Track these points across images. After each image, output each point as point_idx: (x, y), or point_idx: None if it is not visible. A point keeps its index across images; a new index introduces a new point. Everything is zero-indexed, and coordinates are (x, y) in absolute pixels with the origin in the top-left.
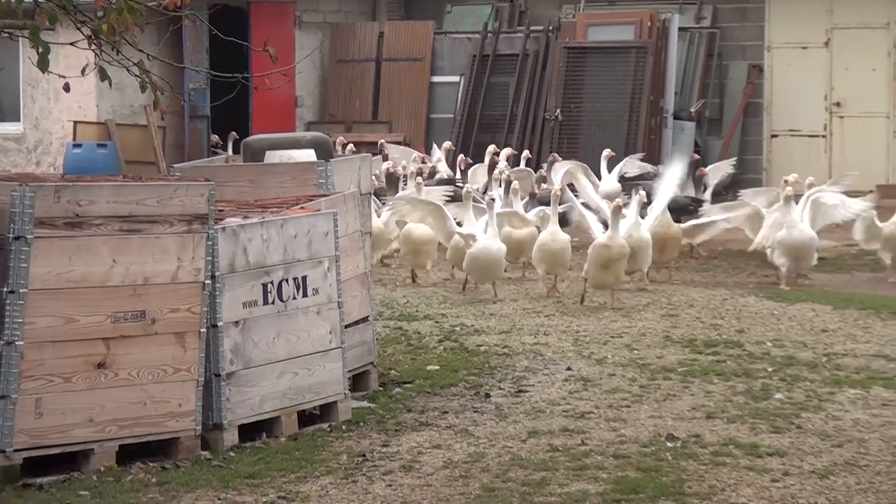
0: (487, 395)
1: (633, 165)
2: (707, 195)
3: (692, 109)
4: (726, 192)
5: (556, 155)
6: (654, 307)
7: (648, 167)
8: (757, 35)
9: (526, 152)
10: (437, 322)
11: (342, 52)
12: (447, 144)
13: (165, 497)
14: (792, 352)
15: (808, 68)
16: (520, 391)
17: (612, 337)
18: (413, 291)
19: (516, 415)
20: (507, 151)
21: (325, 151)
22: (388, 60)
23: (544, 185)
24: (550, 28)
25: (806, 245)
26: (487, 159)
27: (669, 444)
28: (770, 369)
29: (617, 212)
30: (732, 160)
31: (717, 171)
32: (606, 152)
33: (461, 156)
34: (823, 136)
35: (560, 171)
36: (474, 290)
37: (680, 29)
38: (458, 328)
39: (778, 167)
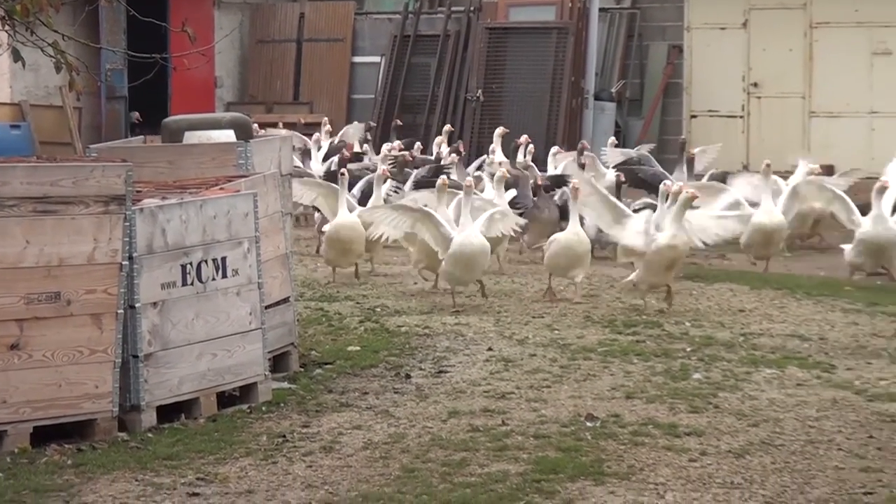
0: (408, 376)
1: (615, 153)
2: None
3: (613, 90)
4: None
5: (557, 147)
6: (573, 288)
7: (631, 153)
8: (676, 16)
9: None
10: (357, 303)
11: (262, 33)
12: (447, 127)
13: (81, 479)
14: (710, 332)
15: (726, 49)
16: (440, 372)
17: (533, 317)
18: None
19: (437, 395)
20: (523, 138)
21: (244, 132)
22: (309, 41)
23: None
24: (471, 9)
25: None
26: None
27: (589, 424)
28: (689, 349)
29: (687, 203)
30: (718, 145)
31: (703, 156)
32: (524, 138)
33: (459, 141)
34: (741, 117)
35: (562, 162)
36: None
37: (600, 10)
38: (378, 309)
39: (698, 147)
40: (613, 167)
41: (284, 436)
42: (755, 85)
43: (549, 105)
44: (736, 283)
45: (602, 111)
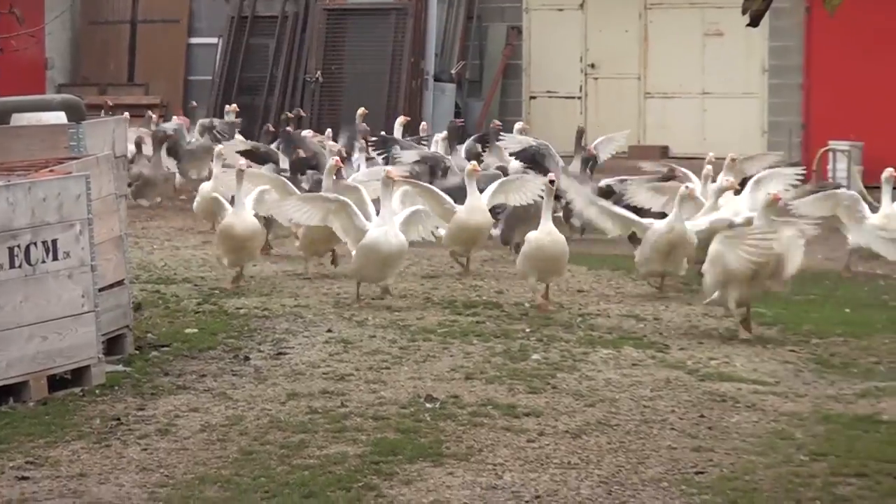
0: (247, 358)
1: (513, 140)
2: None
3: (453, 71)
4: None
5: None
6: (415, 269)
7: (530, 140)
8: None
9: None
10: (195, 285)
11: (94, 14)
12: (401, 119)
13: None
14: (549, 312)
15: (564, 30)
16: (279, 354)
17: (373, 299)
18: (171, 255)
19: (276, 377)
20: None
21: (76, 114)
22: (144, 22)
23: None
24: None
25: None
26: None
27: (428, 406)
28: (528, 330)
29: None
30: (626, 132)
31: (609, 144)
32: (361, 110)
33: (423, 123)
34: (579, 98)
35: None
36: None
37: None
38: (217, 291)
39: (537, 128)
40: (511, 154)
41: (119, 419)
42: (592, 66)
43: (388, 86)
44: (574, 263)
45: (442, 92)
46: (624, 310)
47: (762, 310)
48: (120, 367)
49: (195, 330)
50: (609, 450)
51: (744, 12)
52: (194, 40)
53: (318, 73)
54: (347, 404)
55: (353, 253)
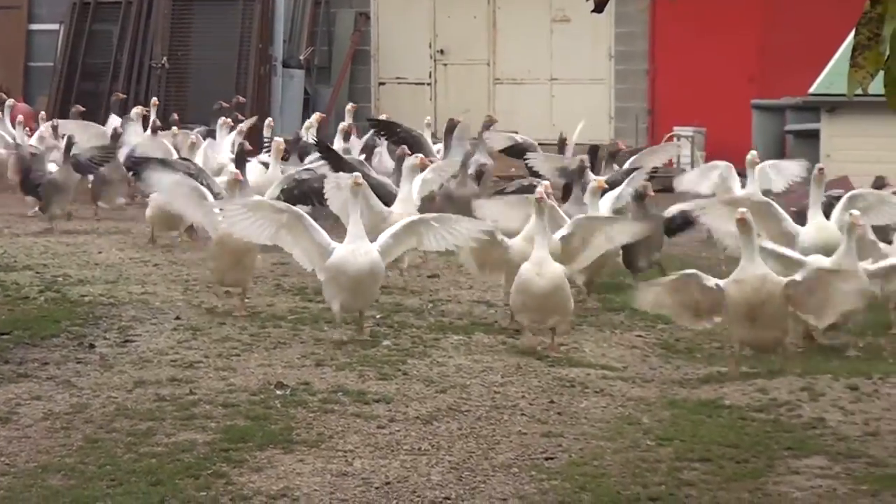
0: (92, 346)
1: (497, 138)
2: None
3: (301, 57)
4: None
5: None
6: (266, 256)
7: (517, 137)
8: None
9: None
10: (37, 273)
11: None
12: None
13: None
14: (399, 299)
15: (412, 16)
16: (126, 341)
17: (223, 286)
18: (10, 241)
19: (122, 365)
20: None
21: None
22: None
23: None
24: None
25: None
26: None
27: (279, 393)
28: (378, 316)
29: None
30: (678, 143)
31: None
32: (350, 106)
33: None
34: (429, 84)
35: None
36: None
37: None
38: (60, 279)
39: (387, 115)
40: (500, 151)
41: None
42: (441, 52)
43: (237, 72)
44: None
45: (291, 78)
46: (475, 296)
47: (611, 295)
48: None
49: (37, 318)
50: (460, 436)
51: None
52: (35, 26)
53: (165, 59)
54: (196, 392)
55: (321, 278)
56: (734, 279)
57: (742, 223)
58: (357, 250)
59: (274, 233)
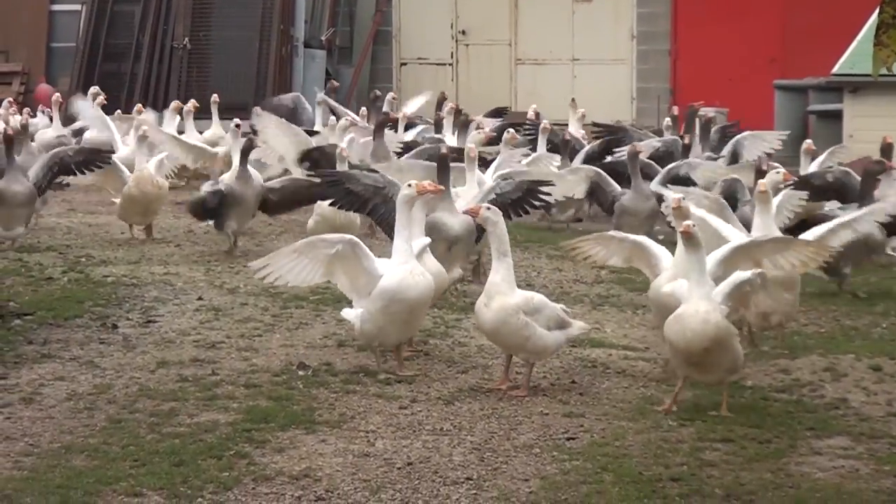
0: (115, 326)
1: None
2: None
3: (323, 38)
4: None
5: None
6: (286, 235)
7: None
8: None
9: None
10: (61, 253)
11: None
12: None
13: None
14: None
15: None
16: (149, 322)
17: (244, 266)
18: (33, 223)
19: (145, 345)
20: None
21: None
22: None
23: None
24: None
25: None
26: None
27: (301, 373)
28: None
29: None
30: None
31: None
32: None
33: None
34: (450, 65)
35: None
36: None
37: None
38: (83, 259)
39: (408, 95)
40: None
41: None
42: (463, 33)
43: (258, 53)
44: None
45: (312, 59)
46: None
47: (632, 276)
48: None
49: (60, 298)
50: (482, 416)
51: None
52: (57, 7)
53: (186, 39)
54: (219, 372)
55: (365, 307)
56: (676, 314)
57: (687, 236)
58: (414, 271)
59: (325, 270)
